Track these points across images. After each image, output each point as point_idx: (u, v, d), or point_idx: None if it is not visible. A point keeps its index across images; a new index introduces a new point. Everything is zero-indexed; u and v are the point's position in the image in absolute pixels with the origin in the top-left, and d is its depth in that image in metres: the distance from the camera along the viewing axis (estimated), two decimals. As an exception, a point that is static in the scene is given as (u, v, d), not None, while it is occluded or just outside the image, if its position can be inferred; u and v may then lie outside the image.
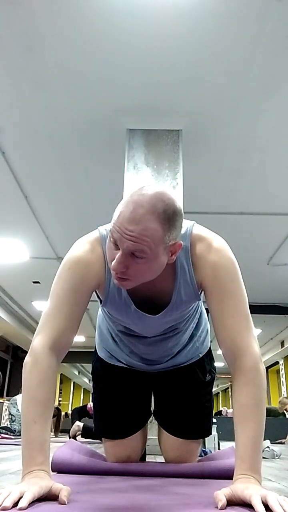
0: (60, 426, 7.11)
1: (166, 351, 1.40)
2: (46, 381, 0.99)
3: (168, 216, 0.94)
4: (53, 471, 1.32)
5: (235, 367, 1.02)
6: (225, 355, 1.06)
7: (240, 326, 1.04)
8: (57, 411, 7.09)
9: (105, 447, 1.53)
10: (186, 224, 1.12)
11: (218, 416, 9.45)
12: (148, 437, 1.90)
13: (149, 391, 1.57)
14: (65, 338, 1.05)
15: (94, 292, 1.17)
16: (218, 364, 1.99)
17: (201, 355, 1.50)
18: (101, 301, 1.20)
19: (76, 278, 1.08)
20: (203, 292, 1.16)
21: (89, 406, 5.77)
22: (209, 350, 1.56)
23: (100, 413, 1.55)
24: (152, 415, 1.62)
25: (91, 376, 1.65)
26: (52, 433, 6.60)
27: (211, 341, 1.59)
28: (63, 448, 1.51)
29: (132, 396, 1.51)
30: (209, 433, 1.52)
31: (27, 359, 1.02)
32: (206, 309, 1.32)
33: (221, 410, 9.85)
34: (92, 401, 1.61)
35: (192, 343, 1.45)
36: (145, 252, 0.93)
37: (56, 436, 6.47)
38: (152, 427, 2.05)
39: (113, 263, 0.95)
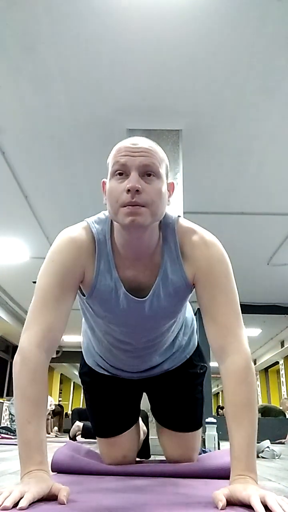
0: (63, 425, 7.11)
1: (152, 362, 1.38)
2: (36, 379, 0.96)
3: (163, 153, 1.07)
4: (52, 471, 1.32)
5: (226, 365, 1.01)
6: (215, 352, 1.04)
7: (232, 323, 1.03)
8: (60, 408, 7.08)
9: (100, 449, 1.52)
10: (172, 214, 1.14)
11: (218, 416, 9.43)
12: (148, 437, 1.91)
13: (139, 392, 1.56)
14: (53, 334, 1.02)
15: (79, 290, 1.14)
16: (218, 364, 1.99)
17: (188, 356, 1.48)
18: (84, 295, 1.15)
19: (61, 270, 1.05)
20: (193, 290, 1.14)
21: None
22: (197, 347, 1.53)
23: (92, 414, 1.55)
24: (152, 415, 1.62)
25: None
26: (54, 433, 6.61)
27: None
28: (63, 448, 1.51)
29: (121, 397, 1.50)
30: (200, 425, 1.51)
31: (16, 357, 0.99)
32: (191, 303, 1.29)
33: (223, 406, 9.82)
34: (85, 403, 1.60)
35: (177, 350, 1.43)
36: (155, 166, 0.99)
37: (58, 436, 6.48)
38: (152, 427, 2.05)
39: (128, 185, 0.96)
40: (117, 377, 1.45)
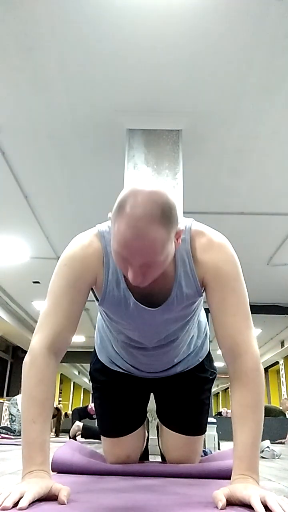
0: (60, 427, 7.10)
1: (167, 363, 1.40)
2: (44, 381, 0.98)
3: (167, 216, 0.91)
4: (53, 471, 1.32)
5: (235, 367, 1.01)
6: (225, 354, 1.05)
7: (242, 325, 1.03)
8: (57, 411, 7.07)
9: (104, 448, 1.53)
10: (186, 221, 1.11)
11: (218, 416, 9.43)
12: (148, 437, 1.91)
13: (148, 392, 1.58)
14: (63, 337, 1.04)
15: (92, 292, 1.16)
16: (218, 364, 1.99)
17: (200, 360, 1.50)
18: (97, 299, 1.17)
19: (73, 274, 1.06)
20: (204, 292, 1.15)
21: (89, 407, 5.77)
22: (208, 353, 1.55)
23: (100, 412, 1.56)
24: (154, 416, 1.62)
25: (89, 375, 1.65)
26: (53, 433, 6.59)
27: (211, 341, 1.59)
28: (63, 448, 1.51)
29: (131, 397, 1.51)
30: (204, 430, 1.52)
31: (26, 359, 1.02)
32: (205, 309, 1.31)
33: (221, 412, 9.82)
34: (93, 401, 1.61)
35: (192, 352, 1.45)
36: (156, 262, 0.92)
37: (57, 436, 6.47)
38: (152, 428, 2.05)
39: (130, 279, 0.93)
40: (130, 374, 1.46)
